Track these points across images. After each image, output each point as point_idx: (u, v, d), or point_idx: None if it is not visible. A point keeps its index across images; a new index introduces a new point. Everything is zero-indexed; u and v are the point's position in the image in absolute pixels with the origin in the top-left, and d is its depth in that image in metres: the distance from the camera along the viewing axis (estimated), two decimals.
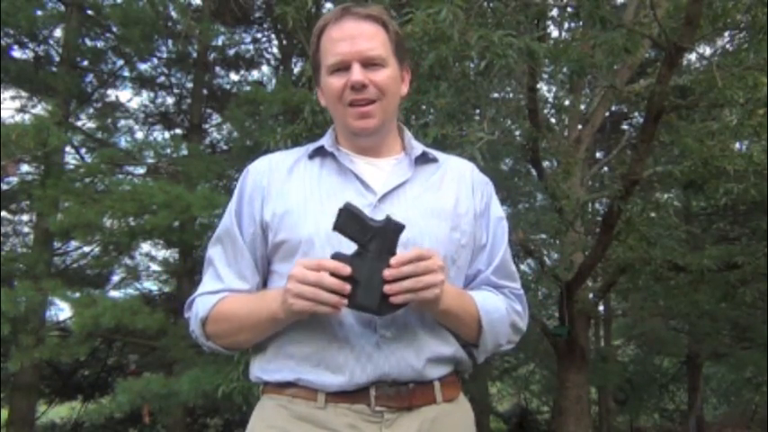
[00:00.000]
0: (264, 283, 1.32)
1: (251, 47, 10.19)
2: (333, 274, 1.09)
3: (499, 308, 1.29)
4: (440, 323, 1.24)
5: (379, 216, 1.21)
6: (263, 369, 1.26)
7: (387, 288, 1.08)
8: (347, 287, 1.09)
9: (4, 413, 7.89)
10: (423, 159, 1.34)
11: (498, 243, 1.35)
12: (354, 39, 1.24)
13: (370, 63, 1.24)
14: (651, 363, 12.12)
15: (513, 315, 1.32)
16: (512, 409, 14.17)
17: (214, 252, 1.33)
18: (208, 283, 1.31)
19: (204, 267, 1.35)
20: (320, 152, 1.33)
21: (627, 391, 11.38)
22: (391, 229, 1.09)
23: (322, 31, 1.28)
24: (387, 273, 1.08)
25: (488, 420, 11.64)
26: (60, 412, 10.50)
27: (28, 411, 7.41)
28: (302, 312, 1.13)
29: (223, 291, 1.28)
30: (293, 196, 1.27)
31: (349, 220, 1.10)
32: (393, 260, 1.09)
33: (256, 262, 1.29)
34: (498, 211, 1.37)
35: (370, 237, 1.09)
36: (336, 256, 1.10)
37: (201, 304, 1.28)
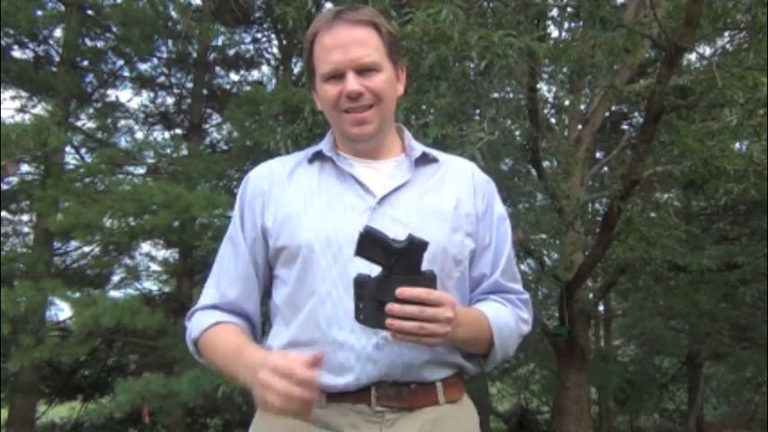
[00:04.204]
0: (268, 290, 1.33)
1: (251, 47, 10.20)
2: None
3: (509, 322, 1.29)
4: None
5: (379, 220, 1.22)
6: None
7: (388, 322, 1.05)
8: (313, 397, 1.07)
9: (4, 413, 7.90)
10: (423, 160, 1.33)
11: (502, 244, 1.34)
12: (347, 46, 1.23)
13: (364, 70, 1.24)
14: (651, 363, 12.12)
15: (522, 325, 1.33)
16: (512, 409, 14.18)
17: (218, 256, 1.35)
18: (206, 292, 1.33)
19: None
20: (319, 156, 1.33)
21: (627, 391, 11.37)
22: (415, 248, 1.07)
23: (314, 37, 1.27)
24: (389, 307, 1.05)
25: (488, 420, 11.64)
26: (60, 412, 10.51)
27: (28, 411, 7.42)
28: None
29: (217, 307, 1.29)
30: (293, 202, 1.27)
31: (371, 245, 1.07)
32: (400, 292, 1.05)
33: (257, 266, 1.30)
34: (500, 210, 1.37)
35: (395, 259, 1.06)
36: (360, 278, 1.08)
37: (197, 322, 1.30)
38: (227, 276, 1.31)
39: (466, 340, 1.20)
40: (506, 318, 1.29)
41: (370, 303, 1.07)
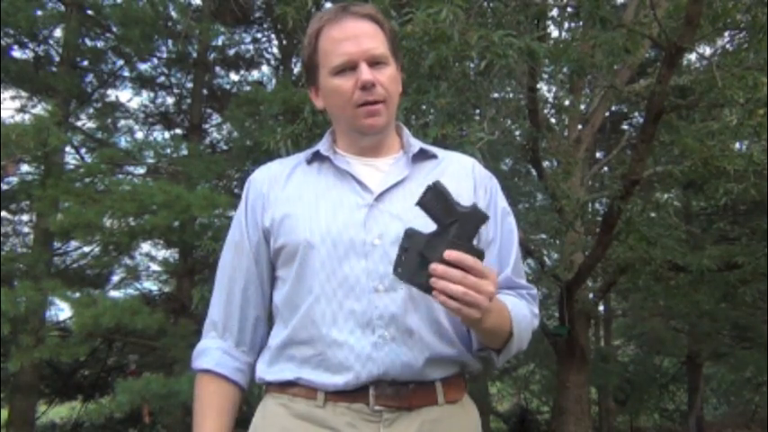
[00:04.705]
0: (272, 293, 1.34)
1: (251, 47, 10.19)
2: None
3: (526, 315, 1.28)
4: (451, 319, 1.23)
5: (377, 216, 1.22)
6: (266, 370, 1.28)
7: (435, 282, 1.03)
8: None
9: (4, 413, 7.89)
10: (421, 156, 1.33)
11: (508, 239, 1.34)
12: (358, 38, 1.23)
13: (375, 62, 1.24)
14: (651, 363, 12.12)
15: (534, 319, 1.32)
16: (512, 409, 14.18)
17: (222, 263, 1.35)
18: (213, 310, 1.34)
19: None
20: (317, 157, 1.33)
21: (627, 391, 11.38)
22: (475, 217, 1.05)
23: (319, 32, 1.27)
24: (434, 266, 1.03)
25: (488, 420, 11.65)
26: (60, 412, 10.50)
27: (28, 411, 7.40)
28: None
29: (225, 339, 1.31)
30: (291, 201, 1.27)
31: (435, 199, 1.06)
32: (448, 254, 1.03)
33: (261, 269, 1.31)
34: (504, 205, 1.36)
35: (453, 220, 1.05)
36: (410, 231, 1.07)
37: (201, 351, 1.32)
38: (232, 282, 1.32)
39: (491, 329, 1.18)
40: (524, 311, 1.28)
41: (414, 258, 1.06)
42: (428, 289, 1.05)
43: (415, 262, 1.06)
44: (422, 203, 1.06)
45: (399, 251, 1.07)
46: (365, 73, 1.22)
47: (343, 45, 1.23)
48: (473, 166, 1.37)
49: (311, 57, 1.29)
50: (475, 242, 1.08)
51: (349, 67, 1.23)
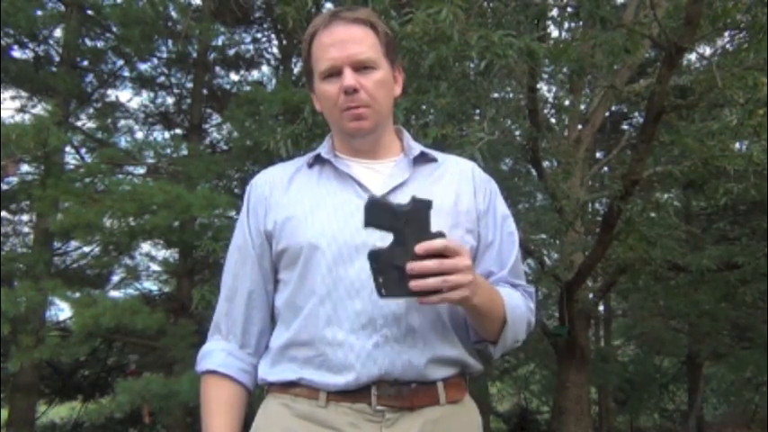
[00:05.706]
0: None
1: (251, 47, 10.19)
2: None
3: (520, 305, 1.30)
4: (453, 319, 1.24)
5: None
6: (268, 371, 1.28)
7: (413, 284, 1.04)
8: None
9: (4, 413, 7.89)
10: (422, 159, 1.34)
11: (507, 242, 1.35)
12: (344, 43, 1.25)
13: (361, 66, 1.25)
14: (651, 363, 12.12)
15: (529, 313, 1.34)
16: (512, 409, 14.18)
17: (226, 266, 1.36)
18: (219, 311, 1.35)
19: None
20: (318, 160, 1.34)
21: (627, 391, 11.38)
22: (421, 208, 1.07)
23: (312, 37, 1.29)
24: (410, 266, 1.04)
25: (488, 420, 11.65)
26: (60, 412, 10.51)
27: (28, 411, 7.41)
28: None
29: (230, 342, 1.32)
30: (292, 204, 1.29)
31: (378, 212, 1.06)
32: (418, 247, 1.04)
33: (265, 272, 1.32)
34: (503, 208, 1.37)
35: (404, 222, 1.06)
36: (374, 252, 1.07)
37: (208, 353, 1.33)
38: (235, 302, 1.33)
39: (483, 309, 1.18)
40: (518, 300, 1.29)
41: (391, 273, 1.06)
42: (415, 293, 1.06)
43: (393, 276, 1.06)
44: (370, 223, 1.07)
45: (374, 274, 1.07)
46: (348, 78, 1.23)
47: (330, 50, 1.25)
48: (473, 169, 1.39)
49: (306, 62, 1.32)
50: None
51: (335, 72, 1.25)
